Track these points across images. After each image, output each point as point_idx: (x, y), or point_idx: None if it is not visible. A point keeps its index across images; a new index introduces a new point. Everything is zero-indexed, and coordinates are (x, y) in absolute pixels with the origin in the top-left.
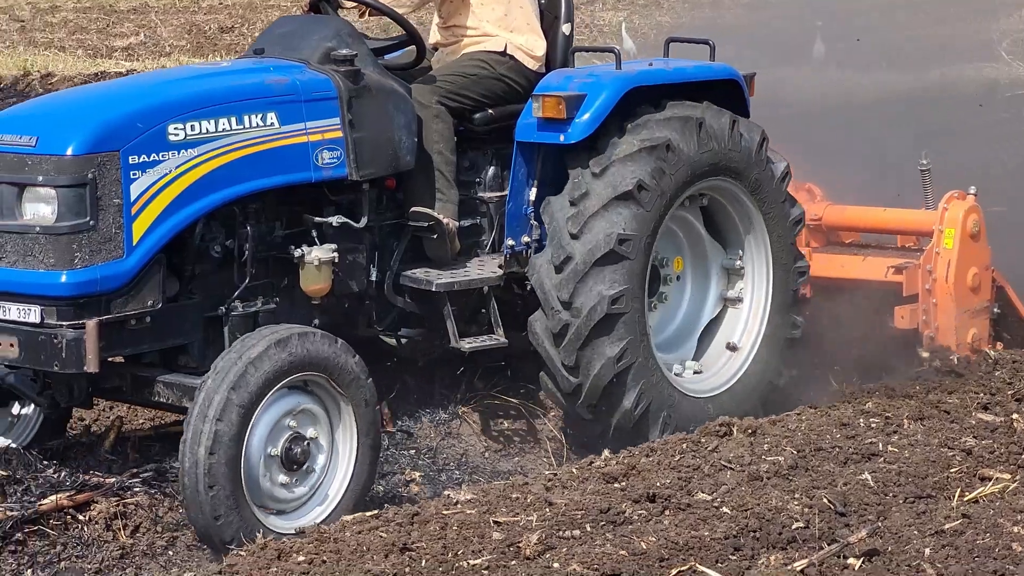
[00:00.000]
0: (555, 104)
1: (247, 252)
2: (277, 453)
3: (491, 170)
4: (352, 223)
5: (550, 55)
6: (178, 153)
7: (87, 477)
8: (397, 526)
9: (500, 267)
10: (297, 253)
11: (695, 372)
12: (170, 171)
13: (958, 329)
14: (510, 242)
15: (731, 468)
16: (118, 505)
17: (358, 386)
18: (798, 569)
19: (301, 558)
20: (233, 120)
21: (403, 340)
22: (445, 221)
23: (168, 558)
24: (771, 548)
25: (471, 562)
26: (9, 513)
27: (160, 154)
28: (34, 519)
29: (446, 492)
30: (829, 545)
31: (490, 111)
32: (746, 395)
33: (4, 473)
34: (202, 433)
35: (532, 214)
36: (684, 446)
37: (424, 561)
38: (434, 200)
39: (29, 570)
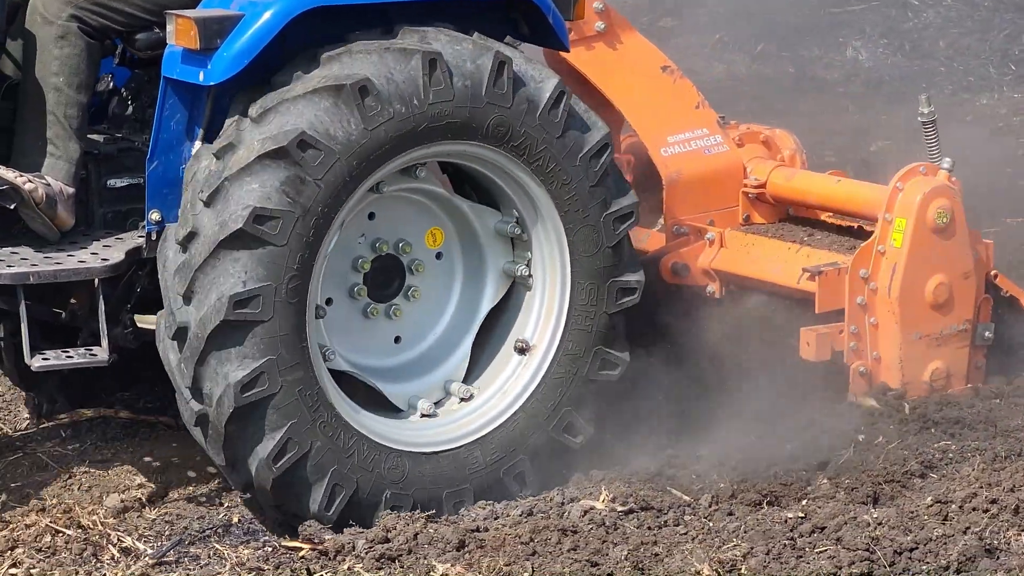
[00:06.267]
0: (187, 28)
1: None
2: None
3: None
4: None
5: None
6: None
7: None
8: None
9: (128, 252)
10: None
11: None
12: None
13: (905, 362)
14: (155, 216)
15: None
16: None
17: None
18: None
19: None
20: None
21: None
22: (28, 186)
23: None
24: None
25: None
26: None
27: None
28: None
29: None
30: None
31: (158, 30)
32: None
33: None
34: None
35: None
36: None
37: None
38: (43, 154)
39: None
